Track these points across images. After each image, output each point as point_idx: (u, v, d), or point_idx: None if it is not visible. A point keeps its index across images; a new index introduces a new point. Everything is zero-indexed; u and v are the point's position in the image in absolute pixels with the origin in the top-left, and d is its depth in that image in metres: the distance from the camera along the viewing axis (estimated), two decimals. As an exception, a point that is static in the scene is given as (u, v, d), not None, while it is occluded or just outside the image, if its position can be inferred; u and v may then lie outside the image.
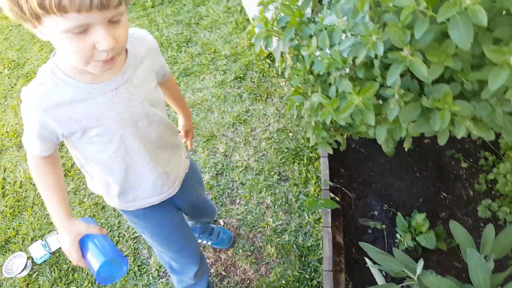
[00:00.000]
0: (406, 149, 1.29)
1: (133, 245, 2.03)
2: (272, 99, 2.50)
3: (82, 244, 1.01)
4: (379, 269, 1.21)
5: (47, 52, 3.48)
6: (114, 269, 1.00)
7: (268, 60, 2.67)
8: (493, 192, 1.42)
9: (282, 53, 1.26)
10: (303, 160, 2.15)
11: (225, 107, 2.54)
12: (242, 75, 2.67)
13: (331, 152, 1.20)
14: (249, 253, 1.91)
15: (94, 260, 0.95)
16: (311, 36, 1.12)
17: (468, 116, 0.85)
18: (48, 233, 2.16)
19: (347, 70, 0.95)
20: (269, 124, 2.38)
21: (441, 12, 0.70)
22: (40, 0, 0.66)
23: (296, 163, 2.16)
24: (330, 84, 1.13)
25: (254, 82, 2.61)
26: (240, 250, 1.92)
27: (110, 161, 1.03)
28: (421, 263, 1.10)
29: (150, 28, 3.31)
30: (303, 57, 1.21)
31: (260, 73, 2.64)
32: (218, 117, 2.50)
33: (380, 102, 1.02)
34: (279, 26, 1.16)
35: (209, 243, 1.93)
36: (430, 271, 1.10)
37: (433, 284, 1.06)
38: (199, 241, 1.94)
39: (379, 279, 1.18)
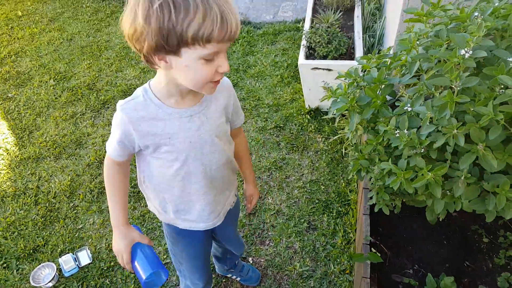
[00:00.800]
0: (441, 219, 1.52)
1: (163, 268, 2.17)
2: (307, 152, 2.74)
3: (132, 250, 1.19)
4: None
5: (95, 70, 3.74)
6: (157, 277, 1.18)
7: (308, 116, 2.95)
8: (508, 267, 1.64)
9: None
10: (333, 213, 2.37)
11: (263, 151, 2.78)
12: (282, 125, 2.93)
13: (387, 213, 1.42)
14: (279, 293, 2.06)
15: (142, 269, 1.14)
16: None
17: (518, 203, 1.09)
18: (79, 248, 2.27)
19: (422, 150, 1.20)
20: (302, 174, 2.61)
21: (515, 125, 0.95)
22: (195, 34, 0.84)
23: (325, 215, 2.37)
24: (397, 156, 1.37)
25: (292, 133, 2.87)
26: (238, 279, 2.08)
27: (171, 179, 1.19)
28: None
29: (199, 67, 3.61)
30: (373, 129, 1.46)
31: (299, 126, 2.91)
32: (255, 160, 2.72)
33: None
34: (359, 104, 1.41)
35: (238, 278, 2.09)
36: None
37: None
38: (229, 275, 2.10)
39: (414, 328, 1.37)
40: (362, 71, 1.52)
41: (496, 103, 1.00)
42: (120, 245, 1.19)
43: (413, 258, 1.71)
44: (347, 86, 1.46)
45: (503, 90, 1.03)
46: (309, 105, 2.95)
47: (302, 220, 2.36)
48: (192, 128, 1.12)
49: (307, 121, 2.92)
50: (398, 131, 1.25)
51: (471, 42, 1.09)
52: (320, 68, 2.59)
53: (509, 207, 1.11)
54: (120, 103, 1.08)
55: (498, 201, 1.08)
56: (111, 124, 1.14)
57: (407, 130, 1.25)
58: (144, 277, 1.11)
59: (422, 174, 1.17)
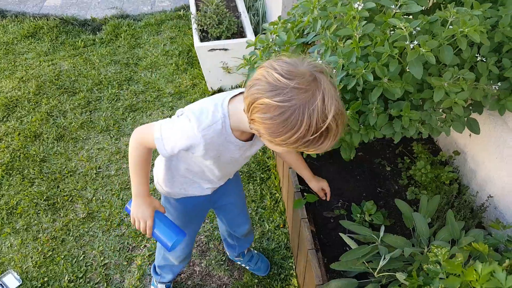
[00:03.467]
0: (352, 158, 1.79)
1: (103, 272, 2.13)
2: (220, 130, 2.86)
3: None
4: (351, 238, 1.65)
5: None
6: (178, 238, 1.29)
7: (212, 97, 3.06)
8: (410, 185, 2.00)
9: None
10: (257, 181, 2.54)
11: (176, 138, 2.81)
12: (189, 110, 2.99)
13: (314, 156, 1.63)
14: (222, 262, 2.18)
15: (166, 237, 1.28)
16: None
17: (417, 120, 1.37)
18: (1, 273, 2.11)
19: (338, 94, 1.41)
20: (220, 152, 2.73)
21: (409, 56, 1.21)
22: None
23: (250, 183, 2.53)
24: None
25: (201, 116, 2.95)
26: (213, 261, 2.18)
27: (205, 169, 1.30)
28: (383, 228, 1.57)
29: (86, 66, 3.43)
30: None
31: (206, 108, 3.00)
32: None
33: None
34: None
35: (247, 267, 2.15)
36: (389, 234, 1.57)
37: (393, 242, 1.53)
38: (238, 263, 2.17)
39: (353, 246, 1.61)
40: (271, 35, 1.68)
41: (391, 41, 1.25)
42: (145, 212, 1.27)
43: (337, 195, 1.97)
44: (261, 52, 1.61)
45: (393, 31, 1.28)
46: (211, 87, 3.05)
47: (231, 193, 2.48)
48: (240, 153, 1.22)
49: (212, 102, 3.03)
50: (314, 82, 1.45)
51: (361, -3, 1.32)
52: (216, 49, 2.71)
53: (412, 125, 1.39)
54: (201, 125, 1.07)
55: (404, 122, 1.34)
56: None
57: (321, 80, 1.45)
58: (169, 244, 1.25)
59: (343, 113, 1.38)
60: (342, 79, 1.39)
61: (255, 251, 2.18)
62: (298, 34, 1.68)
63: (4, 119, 2.96)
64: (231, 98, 1.10)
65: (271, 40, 1.65)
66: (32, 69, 3.45)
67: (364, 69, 1.30)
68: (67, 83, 3.29)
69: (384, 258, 1.46)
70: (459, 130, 1.45)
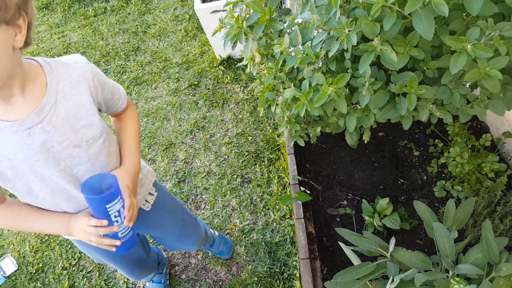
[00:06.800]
0: (366, 141, 1.39)
1: (96, 260, 1.97)
2: (228, 105, 2.53)
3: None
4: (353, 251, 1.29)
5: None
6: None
7: (221, 67, 2.71)
8: (443, 175, 1.57)
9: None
10: (264, 162, 2.21)
11: (182, 114, 2.54)
12: (196, 83, 2.68)
13: (302, 144, 1.26)
14: (220, 255, 1.92)
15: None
16: (280, 35, 1.18)
17: (430, 100, 0.95)
18: (0, 256, 2.03)
19: (320, 64, 1.02)
20: (227, 129, 2.41)
21: (407, 6, 0.79)
22: None
23: (257, 165, 2.21)
24: (300, 81, 1.20)
25: (209, 89, 2.63)
26: (209, 253, 1.93)
27: (45, 199, 0.91)
28: (393, 240, 1.19)
29: (94, 37, 3.22)
30: (272, 55, 1.27)
31: (214, 80, 2.67)
32: (175, 125, 2.49)
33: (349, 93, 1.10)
34: (248, 25, 1.20)
35: (210, 253, 1.90)
36: (400, 248, 1.19)
37: (405, 259, 1.16)
38: (203, 250, 1.90)
39: (355, 260, 1.25)
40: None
41: (384, -15, 0.83)
42: (77, 223, 0.91)
43: (346, 187, 1.60)
44: (231, 7, 1.24)
45: (390, -31, 0.85)
46: (219, 55, 2.71)
47: (235, 176, 2.19)
48: (35, 143, 0.80)
49: (221, 72, 2.69)
50: (292, 48, 1.07)
51: None
52: (220, 10, 2.34)
53: (422, 106, 0.97)
54: None
55: (409, 102, 0.93)
56: None
57: (302, 45, 1.07)
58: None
59: (323, 90, 1.00)
60: (322, 44, 0.99)
61: (216, 233, 1.85)
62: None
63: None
64: None
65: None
66: (43, 43, 3.31)
67: (348, 28, 0.89)
68: (75, 57, 3.12)
69: (393, 280, 1.11)
70: (499, 112, 1.01)
